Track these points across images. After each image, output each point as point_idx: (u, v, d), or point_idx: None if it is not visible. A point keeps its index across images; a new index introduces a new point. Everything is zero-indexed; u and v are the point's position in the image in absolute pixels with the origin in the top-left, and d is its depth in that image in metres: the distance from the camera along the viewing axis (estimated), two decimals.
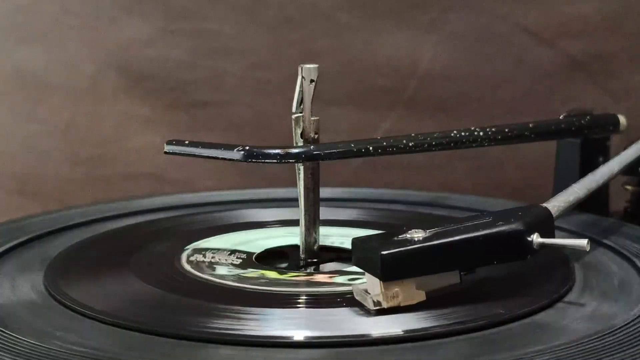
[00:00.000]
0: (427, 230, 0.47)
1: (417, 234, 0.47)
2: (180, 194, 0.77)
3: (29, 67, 0.94)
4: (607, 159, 0.66)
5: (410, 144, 0.56)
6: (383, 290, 0.45)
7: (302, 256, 0.56)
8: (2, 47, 0.94)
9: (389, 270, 0.45)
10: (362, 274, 0.47)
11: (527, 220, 0.47)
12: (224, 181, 0.94)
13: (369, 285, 0.46)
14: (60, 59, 0.94)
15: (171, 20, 0.94)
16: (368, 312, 0.46)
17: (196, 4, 0.94)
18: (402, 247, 0.46)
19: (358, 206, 0.71)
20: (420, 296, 0.46)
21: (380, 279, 0.45)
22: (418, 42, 0.94)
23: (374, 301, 0.46)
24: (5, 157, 0.95)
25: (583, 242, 0.47)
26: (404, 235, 0.47)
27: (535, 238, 0.47)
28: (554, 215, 0.50)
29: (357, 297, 0.46)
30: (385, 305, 0.45)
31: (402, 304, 0.46)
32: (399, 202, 0.73)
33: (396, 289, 0.46)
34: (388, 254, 0.45)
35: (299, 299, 0.48)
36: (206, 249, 0.58)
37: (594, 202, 0.64)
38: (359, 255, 0.47)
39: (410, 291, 0.46)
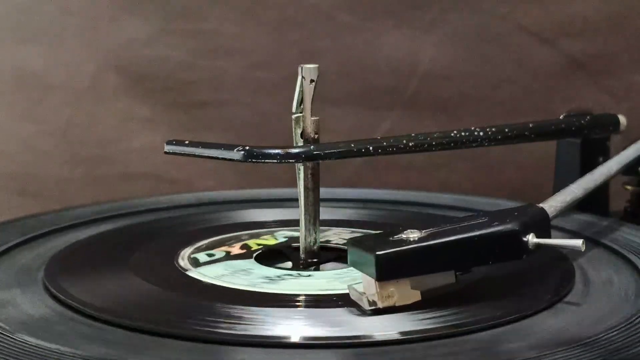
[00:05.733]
0: (423, 231, 0.47)
1: (413, 234, 0.47)
2: (180, 194, 0.77)
3: (29, 67, 0.94)
4: (607, 159, 0.66)
5: (410, 144, 0.56)
6: (378, 290, 0.45)
7: (302, 256, 0.56)
8: (2, 47, 0.94)
9: (384, 270, 0.45)
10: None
11: (523, 221, 0.47)
12: (224, 181, 0.94)
13: (364, 285, 0.46)
14: (60, 59, 0.94)
15: (171, 20, 0.94)
16: (364, 312, 0.46)
17: (196, 4, 0.94)
18: (398, 247, 0.46)
19: (358, 206, 0.71)
20: (416, 296, 0.46)
21: (375, 279, 0.45)
22: (418, 42, 0.94)
23: (369, 301, 0.46)
24: (5, 157, 0.95)
25: (578, 243, 0.47)
26: (400, 235, 0.47)
27: (531, 238, 0.47)
28: (551, 216, 0.50)
29: (352, 297, 0.46)
30: (380, 305, 0.45)
31: (397, 304, 0.46)
32: (399, 202, 0.73)
33: (391, 289, 0.46)
34: (383, 254, 0.45)
35: (297, 299, 0.48)
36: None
37: (594, 202, 0.64)
38: (354, 255, 0.47)
39: (405, 291, 0.46)
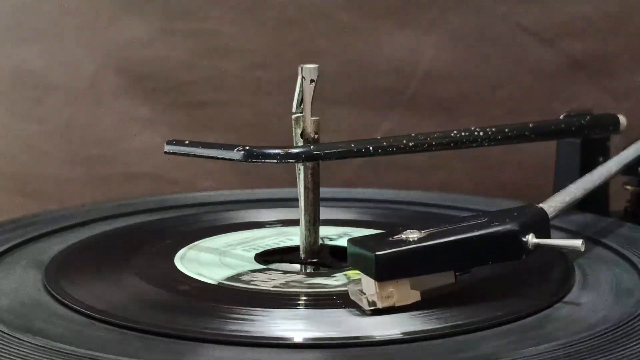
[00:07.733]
0: (422, 231, 0.47)
1: (412, 235, 0.47)
2: (180, 194, 0.77)
3: (28, 67, 0.94)
4: (607, 159, 0.66)
5: (410, 144, 0.56)
6: (378, 290, 0.45)
7: (302, 256, 0.56)
8: (2, 47, 0.94)
9: (384, 271, 0.45)
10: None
11: (522, 221, 0.47)
12: (224, 181, 0.94)
13: (364, 285, 0.46)
14: (60, 59, 0.94)
15: (171, 20, 0.94)
16: (363, 312, 0.46)
17: (196, 4, 0.94)
18: (397, 247, 0.46)
19: (358, 206, 0.71)
20: (415, 296, 0.46)
21: (375, 279, 0.45)
22: (418, 42, 0.94)
23: (369, 301, 0.46)
24: (5, 157, 0.95)
25: (578, 243, 0.47)
26: (399, 235, 0.47)
27: (530, 238, 0.47)
28: (550, 216, 0.50)
29: (352, 297, 0.46)
30: (380, 305, 0.45)
31: (396, 304, 0.46)
32: (399, 202, 0.73)
33: (391, 289, 0.46)
34: (383, 254, 0.45)
35: (297, 299, 0.48)
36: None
37: (594, 202, 0.64)
38: (354, 255, 0.47)
39: (405, 291, 0.46)
